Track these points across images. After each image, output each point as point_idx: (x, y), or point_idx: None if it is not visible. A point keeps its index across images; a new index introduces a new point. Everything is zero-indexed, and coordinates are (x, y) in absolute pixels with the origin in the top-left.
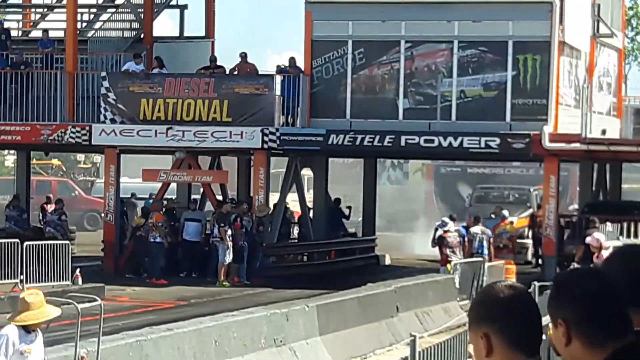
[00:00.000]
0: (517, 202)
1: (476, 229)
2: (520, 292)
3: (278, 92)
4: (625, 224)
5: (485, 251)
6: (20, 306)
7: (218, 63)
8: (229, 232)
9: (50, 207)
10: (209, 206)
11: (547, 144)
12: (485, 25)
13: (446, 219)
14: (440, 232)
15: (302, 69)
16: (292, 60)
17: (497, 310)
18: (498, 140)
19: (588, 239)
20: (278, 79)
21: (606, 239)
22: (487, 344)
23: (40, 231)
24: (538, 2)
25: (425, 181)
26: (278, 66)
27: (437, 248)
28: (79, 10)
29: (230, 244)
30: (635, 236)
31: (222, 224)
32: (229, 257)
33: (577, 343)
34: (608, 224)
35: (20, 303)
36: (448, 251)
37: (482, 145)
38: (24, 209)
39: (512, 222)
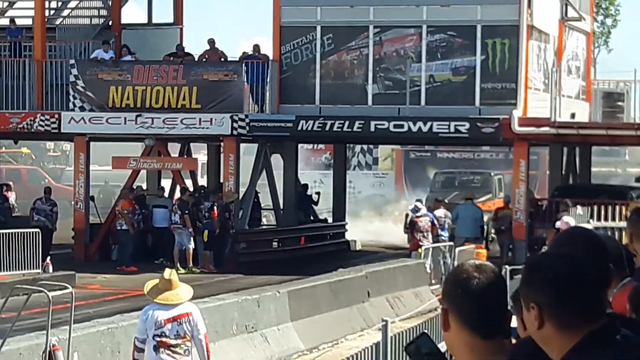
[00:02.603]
0: (480, 186)
1: (440, 212)
2: (485, 272)
3: (247, 78)
4: (595, 207)
5: (446, 233)
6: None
7: (187, 50)
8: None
9: (11, 195)
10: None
11: (516, 128)
12: (453, 10)
13: (419, 204)
14: (411, 216)
15: (270, 55)
16: (256, 47)
17: (454, 288)
18: (467, 125)
19: (558, 223)
20: (247, 65)
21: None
22: (444, 318)
23: (24, 220)
24: None
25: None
26: (244, 53)
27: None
28: None
29: (192, 230)
30: (606, 219)
31: (185, 211)
32: (190, 243)
33: (549, 326)
34: (578, 207)
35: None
36: (419, 236)
37: (452, 130)
38: (6, 198)
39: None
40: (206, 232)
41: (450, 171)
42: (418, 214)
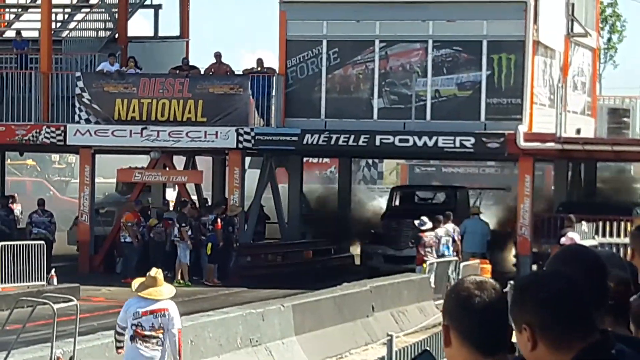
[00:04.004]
0: (441, 203)
1: (441, 231)
2: (486, 289)
3: (252, 92)
4: (600, 224)
5: (449, 251)
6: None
7: (192, 63)
8: (189, 232)
9: (16, 207)
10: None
11: (521, 143)
12: (459, 25)
13: (425, 219)
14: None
15: (276, 69)
16: (259, 61)
17: (455, 305)
18: (473, 140)
19: (563, 239)
20: (252, 79)
21: (581, 239)
22: (445, 335)
23: (25, 232)
24: (512, 1)
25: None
26: (252, 68)
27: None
28: (53, 10)
29: (190, 243)
30: (611, 235)
31: (183, 224)
32: (187, 257)
33: (542, 346)
34: (583, 223)
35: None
36: (424, 251)
37: (457, 144)
38: (12, 210)
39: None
40: (209, 245)
41: (409, 186)
42: (423, 228)
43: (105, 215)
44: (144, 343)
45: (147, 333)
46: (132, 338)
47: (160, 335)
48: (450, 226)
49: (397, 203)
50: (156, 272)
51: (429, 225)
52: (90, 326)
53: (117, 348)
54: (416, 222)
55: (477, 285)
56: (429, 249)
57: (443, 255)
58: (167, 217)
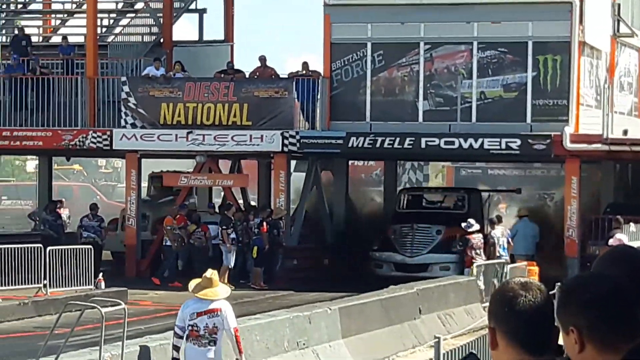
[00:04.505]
0: (454, 207)
1: (497, 232)
2: (531, 289)
3: (297, 95)
4: None
5: (506, 252)
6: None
7: (237, 67)
8: (232, 235)
9: (64, 211)
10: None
11: (568, 144)
12: (504, 26)
13: (472, 221)
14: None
15: (321, 71)
16: (304, 64)
17: (500, 307)
18: (519, 142)
19: (611, 241)
20: (297, 82)
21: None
22: (491, 337)
23: (76, 236)
24: (558, 2)
25: (445, 183)
26: (290, 74)
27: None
28: (99, 15)
29: (231, 246)
30: None
31: (224, 227)
32: (231, 260)
33: (590, 348)
34: (631, 224)
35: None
36: (472, 253)
37: (503, 146)
38: (59, 215)
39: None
40: (255, 248)
41: (415, 188)
42: (470, 230)
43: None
44: (198, 343)
45: (201, 333)
46: (187, 338)
47: (214, 336)
48: (498, 231)
49: (405, 206)
50: (212, 273)
51: (476, 227)
52: (137, 330)
53: (173, 349)
54: (463, 224)
55: (522, 286)
56: (477, 251)
57: (500, 257)
58: (208, 221)
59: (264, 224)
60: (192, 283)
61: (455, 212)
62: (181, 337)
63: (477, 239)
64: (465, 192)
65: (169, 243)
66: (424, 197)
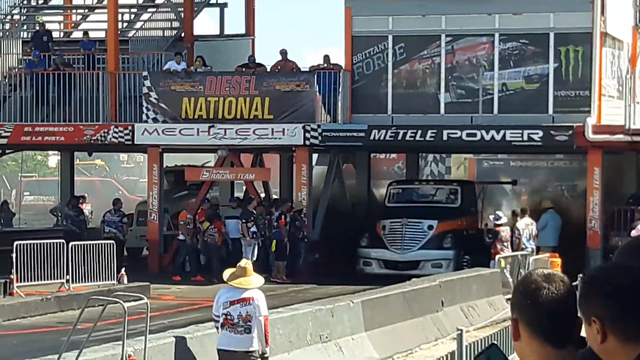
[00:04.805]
0: (446, 200)
1: (521, 224)
2: (554, 281)
3: (319, 88)
4: None
5: (532, 244)
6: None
7: (258, 61)
8: (253, 228)
9: (86, 207)
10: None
11: (590, 135)
12: (526, 18)
13: (500, 213)
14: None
15: (342, 65)
16: (326, 57)
17: (523, 298)
18: (541, 133)
19: (633, 232)
20: (319, 75)
21: None
22: (514, 328)
23: (97, 231)
24: None
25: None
26: (312, 67)
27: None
28: (120, 10)
29: (250, 240)
30: None
31: (243, 221)
32: (251, 254)
33: (612, 339)
34: None
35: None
36: (501, 245)
37: (525, 138)
38: (82, 210)
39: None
40: (274, 241)
41: (405, 180)
42: (499, 223)
43: None
44: (232, 331)
45: (235, 321)
46: (222, 326)
47: (248, 324)
48: (528, 220)
49: (395, 200)
50: (246, 262)
51: (505, 219)
52: (160, 324)
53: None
54: (491, 216)
55: (545, 278)
56: (505, 244)
57: (525, 249)
58: (230, 216)
59: (282, 217)
60: (227, 272)
61: (448, 206)
62: (218, 326)
63: (505, 232)
64: (458, 185)
65: (181, 237)
66: (414, 191)
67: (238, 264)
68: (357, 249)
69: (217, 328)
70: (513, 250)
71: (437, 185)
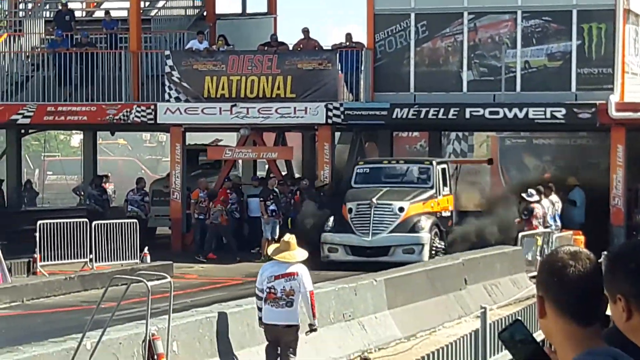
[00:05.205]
0: (417, 180)
1: (547, 202)
2: (580, 259)
3: (341, 67)
4: None
5: (558, 222)
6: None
7: (280, 40)
8: (272, 207)
9: (109, 186)
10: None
11: (613, 113)
12: None
13: (532, 190)
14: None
15: (364, 43)
16: (348, 35)
17: (549, 276)
18: (564, 111)
19: None
20: (341, 54)
21: None
22: (540, 306)
23: (120, 210)
24: None
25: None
26: (334, 46)
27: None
28: None
29: (269, 218)
30: None
31: (261, 199)
32: (271, 232)
33: (637, 316)
34: None
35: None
36: (536, 222)
37: (548, 116)
38: (105, 189)
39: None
40: (290, 219)
41: (374, 160)
42: (532, 200)
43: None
44: (274, 305)
45: (278, 295)
46: (266, 300)
47: (291, 297)
48: (555, 197)
49: (361, 180)
50: (289, 237)
51: (536, 197)
52: (184, 303)
53: (258, 309)
54: (523, 194)
55: (572, 256)
56: (539, 220)
57: (549, 227)
58: (252, 194)
59: (297, 193)
60: (271, 247)
61: (420, 187)
62: (261, 299)
63: (539, 208)
64: (430, 164)
65: (197, 216)
66: (383, 170)
67: (282, 239)
68: (321, 234)
69: (258, 301)
70: (545, 227)
71: (408, 165)
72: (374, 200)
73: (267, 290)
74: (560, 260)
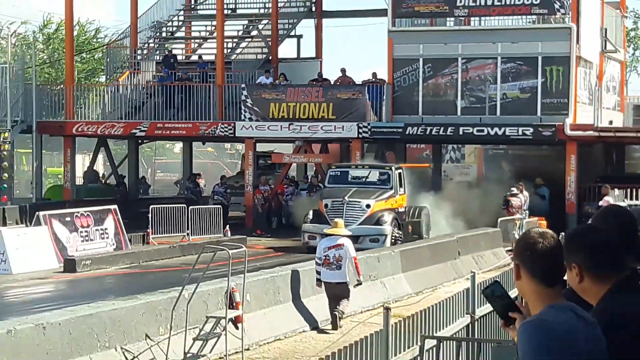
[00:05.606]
0: (377, 182)
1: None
2: (546, 237)
3: (369, 96)
4: (628, 190)
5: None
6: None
7: (325, 76)
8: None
9: (201, 181)
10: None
11: (568, 131)
12: (520, 45)
13: (514, 189)
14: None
15: (386, 79)
16: (374, 74)
17: (524, 249)
18: (532, 130)
19: (601, 202)
20: (369, 87)
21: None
22: (516, 271)
23: (209, 199)
24: (560, 28)
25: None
26: (363, 81)
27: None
28: (225, 40)
29: None
30: (637, 198)
31: (308, 191)
32: None
33: (587, 280)
34: (616, 190)
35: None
36: (513, 210)
37: (520, 133)
38: (198, 184)
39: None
40: None
41: (344, 164)
42: (512, 194)
43: (239, 188)
44: (329, 268)
45: (331, 261)
46: (322, 264)
47: (340, 263)
48: (526, 193)
49: (333, 181)
50: (339, 219)
51: (516, 191)
52: (254, 266)
53: (316, 273)
54: (509, 191)
55: (540, 235)
56: (517, 209)
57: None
58: (302, 188)
59: None
60: (328, 228)
61: (382, 187)
62: (319, 265)
63: (515, 201)
64: (390, 169)
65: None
66: (349, 173)
67: (333, 221)
68: (302, 224)
69: (317, 267)
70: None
71: (371, 169)
72: (346, 198)
73: (323, 257)
74: (532, 238)
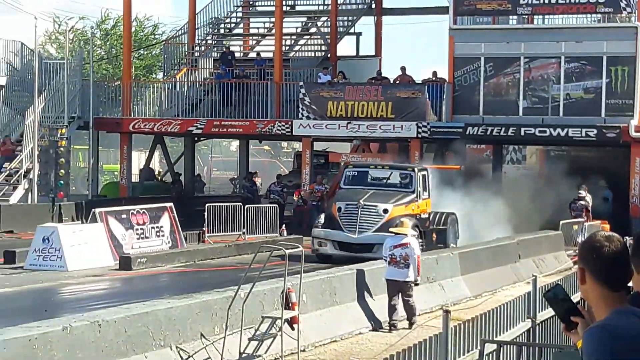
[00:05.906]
0: (399, 184)
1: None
2: (612, 240)
3: (429, 96)
4: None
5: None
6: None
7: (384, 75)
8: None
9: (257, 179)
10: None
11: (633, 133)
12: (585, 45)
13: (581, 191)
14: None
15: (446, 78)
16: (434, 73)
17: (589, 253)
18: (595, 131)
19: None
20: (429, 86)
21: None
22: (581, 275)
23: (265, 198)
24: (626, 27)
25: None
26: (423, 80)
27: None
28: (284, 37)
29: None
30: None
31: None
32: None
33: None
34: None
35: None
36: (575, 214)
37: (583, 134)
38: (255, 182)
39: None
40: None
41: (363, 164)
42: (581, 195)
43: (292, 187)
44: (395, 266)
45: (397, 260)
46: (389, 263)
47: (407, 261)
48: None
49: (349, 182)
50: (405, 219)
51: (583, 194)
52: (310, 266)
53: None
54: (579, 192)
55: (607, 238)
56: (580, 213)
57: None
58: None
59: None
60: (394, 228)
61: (402, 191)
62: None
63: (577, 204)
64: (412, 170)
65: (313, 203)
66: (369, 174)
67: (399, 220)
68: (313, 229)
69: (385, 264)
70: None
71: (392, 170)
72: (361, 201)
73: (390, 256)
74: (598, 241)
